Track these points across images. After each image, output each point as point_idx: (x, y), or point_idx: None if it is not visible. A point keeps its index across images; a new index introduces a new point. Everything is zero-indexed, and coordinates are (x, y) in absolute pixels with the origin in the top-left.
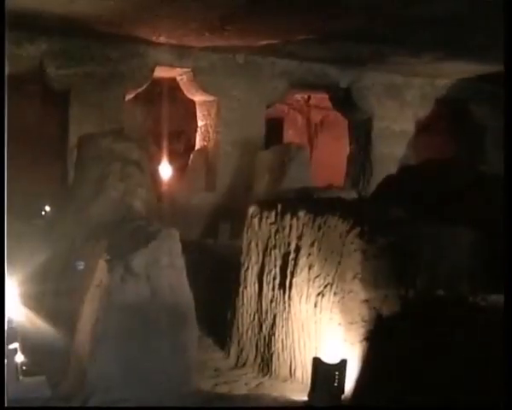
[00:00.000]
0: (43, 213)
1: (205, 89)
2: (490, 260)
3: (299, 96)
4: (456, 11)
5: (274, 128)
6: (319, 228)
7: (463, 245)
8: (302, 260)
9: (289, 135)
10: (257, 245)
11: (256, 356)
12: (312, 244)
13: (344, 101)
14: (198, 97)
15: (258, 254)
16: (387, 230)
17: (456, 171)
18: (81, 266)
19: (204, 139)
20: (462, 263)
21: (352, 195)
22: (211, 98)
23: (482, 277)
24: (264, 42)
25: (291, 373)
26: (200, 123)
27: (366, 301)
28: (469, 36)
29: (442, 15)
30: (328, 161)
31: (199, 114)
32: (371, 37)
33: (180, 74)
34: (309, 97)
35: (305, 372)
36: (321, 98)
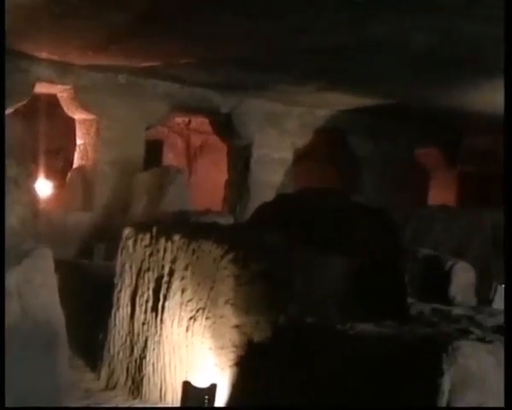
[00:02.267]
0: None
1: (85, 107)
2: (361, 290)
3: (180, 120)
4: (339, 43)
5: (153, 150)
6: (193, 252)
7: (335, 274)
8: (175, 284)
9: (169, 158)
10: (131, 267)
11: (127, 378)
12: (186, 268)
13: (224, 126)
14: (78, 115)
15: (132, 276)
16: (261, 256)
17: (331, 200)
18: None
19: (82, 158)
20: (334, 291)
21: (229, 220)
22: (91, 117)
23: (352, 305)
24: (147, 63)
25: (161, 396)
26: (79, 141)
27: (237, 326)
28: (350, 68)
29: (325, 46)
30: (206, 185)
31: (78, 132)
32: (253, 64)
33: (61, 91)
34: (189, 121)
35: (175, 396)
36: (201, 122)
